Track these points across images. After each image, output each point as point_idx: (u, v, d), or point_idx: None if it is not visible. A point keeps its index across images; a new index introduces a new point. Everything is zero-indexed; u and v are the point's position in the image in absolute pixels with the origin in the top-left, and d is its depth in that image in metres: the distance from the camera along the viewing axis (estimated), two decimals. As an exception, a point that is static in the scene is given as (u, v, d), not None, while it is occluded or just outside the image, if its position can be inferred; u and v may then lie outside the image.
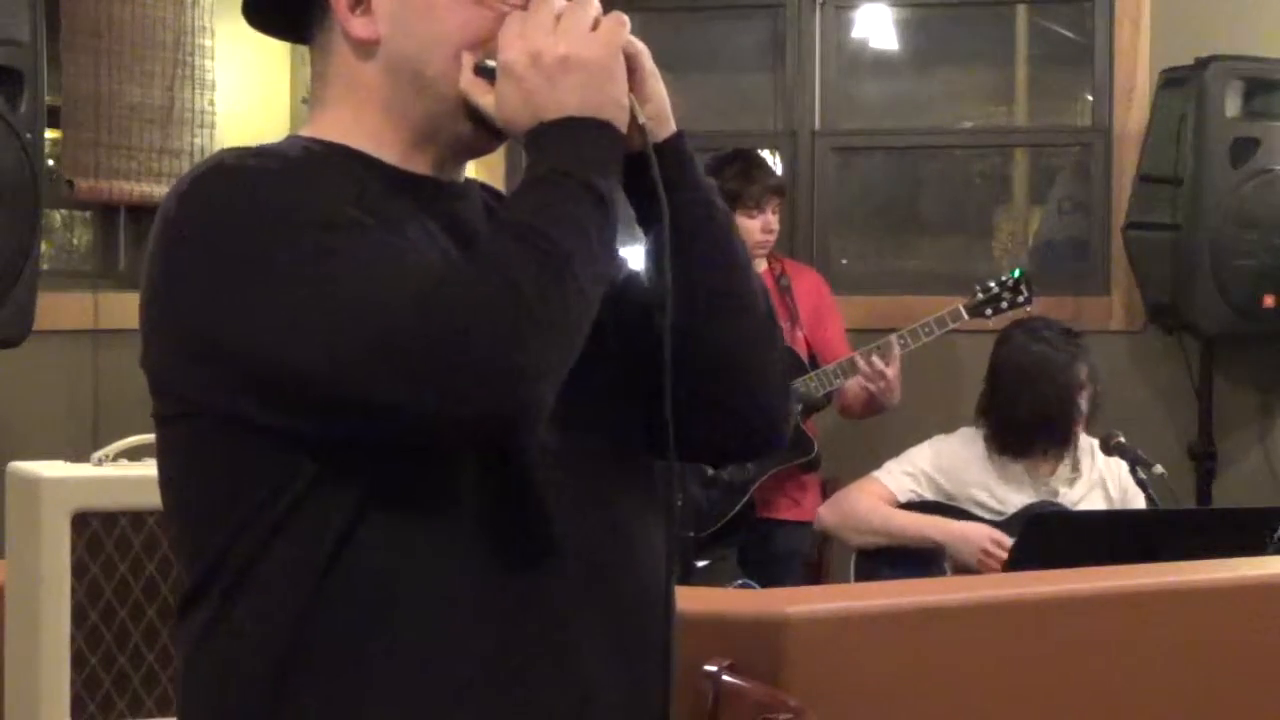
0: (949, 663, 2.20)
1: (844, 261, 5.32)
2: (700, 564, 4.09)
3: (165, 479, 1.45)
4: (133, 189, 4.31)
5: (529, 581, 1.39)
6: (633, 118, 1.42)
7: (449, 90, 1.44)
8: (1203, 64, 4.50)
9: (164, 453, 1.45)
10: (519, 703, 1.38)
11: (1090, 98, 5.13)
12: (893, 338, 4.21)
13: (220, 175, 1.37)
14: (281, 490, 1.36)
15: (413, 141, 1.47)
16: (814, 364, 4.32)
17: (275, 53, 4.67)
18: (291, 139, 1.49)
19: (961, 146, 5.49)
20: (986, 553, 3.62)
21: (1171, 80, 4.65)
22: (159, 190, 4.27)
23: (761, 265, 4.38)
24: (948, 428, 3.91)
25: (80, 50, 4.22)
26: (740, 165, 4.35)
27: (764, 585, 3.92)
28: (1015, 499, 3.74)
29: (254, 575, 1.37)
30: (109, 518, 2.16)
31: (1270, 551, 3.11)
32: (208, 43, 4.48)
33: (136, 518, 2.17)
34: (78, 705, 2.15)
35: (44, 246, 3.95)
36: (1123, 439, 3.64)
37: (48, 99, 3.65)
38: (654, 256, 1.46)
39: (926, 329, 4.23)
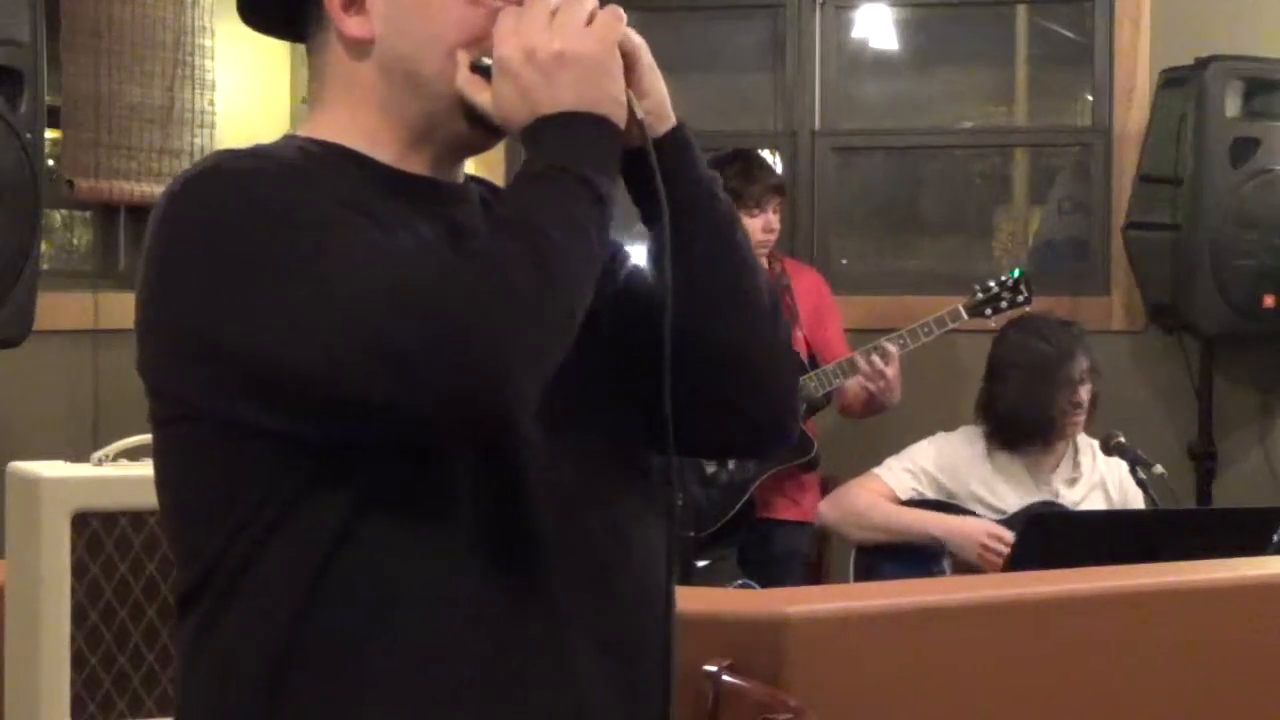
0: (949, 663, 2.20)
1: (844, 261, 5.32)
2: (700, 564, 4.09)
3: (162, 480, 1.45)
4: (133, 189, 4.32)
5: (527, 582, 1.39)
6: (631, 113, 1.41)
7: (445, 89, 1.43)
8: (1203, 64, 4.50)
9: (161, 454, 1.44)
10: (518, 703, 1.37)
11: (1090, 98, 5.13)
12: (887, 339, 4.21)
13: (215, 175, 1.37)
14: (277, 491, 1.35)
15: (409, 141, 1.46)
16: (814, 364, 4.32)
17: (275, 53, 4.67)
18: (287, 139, 1.49)
19: (961, 146, 5.49)
20: (986, 547, 3.62)
21: (1171, 80, 4.65)
22: (159, 190, 4.25)
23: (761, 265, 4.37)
24: (948, 427, 3.91)
25: (80, 50, 4.22)
26: (741, 165, 4.35)
27: (764, 585, 3.92)
28: (1015, 497, 3.74)
29: (251, 576, 1.37)
30: (109, 518, 2.16)
31: (1270, 552, 3.11)
32: (208, 43, 4.48)
33: (136, 518, 2.17)
34: (78, 705, 2.15)
35: (44, 246, 3.95)
36: (1123, 439, 3.65)
37: (48, 99, 3.65)
38: (655, 253, 1.45)
39: (926, 329, 4.24)
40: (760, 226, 4.29)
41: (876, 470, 3.83)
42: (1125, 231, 4.75)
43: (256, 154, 1.41)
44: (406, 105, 1.45)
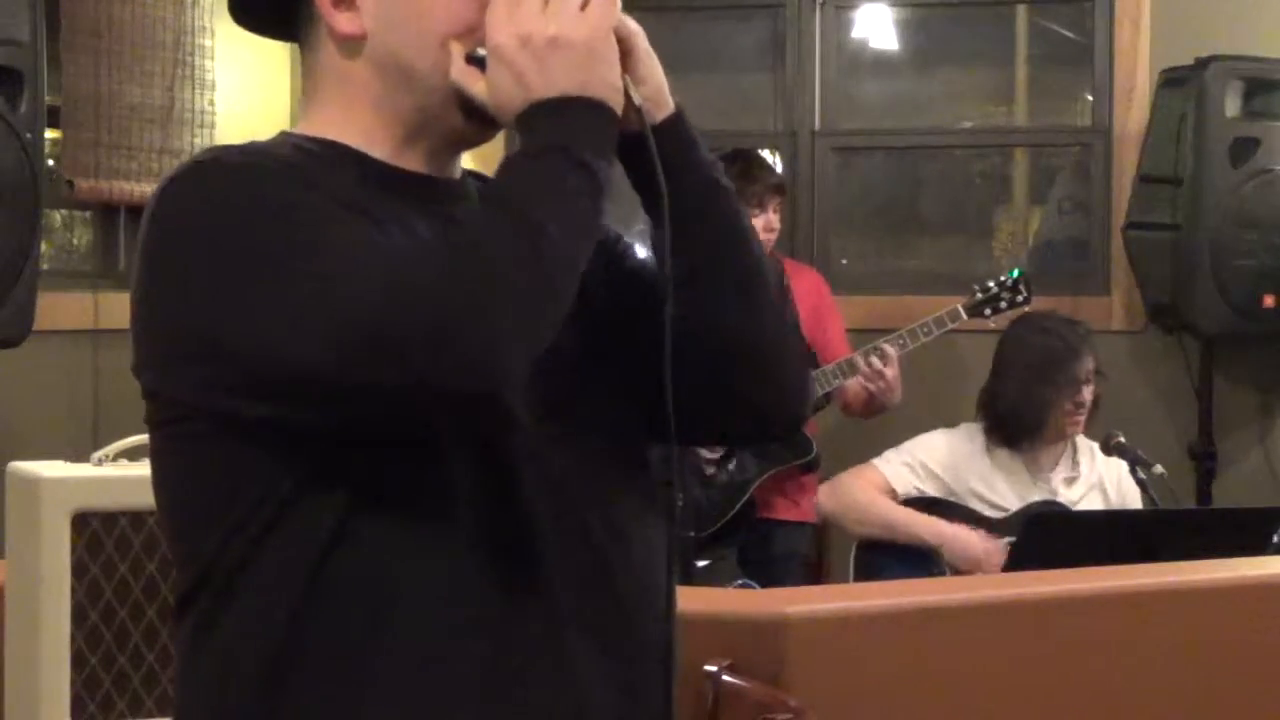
0: (949, 663, 2.20)
1: (844, 261, 5.32)
2: (700, 564, 4.09)
3: (159, 482, 1.44)
4: (133, 189, 4.31)
5: (527, 582, 1.38)
6: (629, 99, 1.40)
7: (439, 82, 1.42)
8: (1203, 64, 4.50)
9: (157, 455, 1.44)
10: (517, 703, 1.37)
11: (1090, 98, 5.13)
12: (886, 340, 4.21)
13: (207, 171, 1.36)
14: (275, 490, 1.35)
15: (404, 136, 1.45)
16: (812, 364, 4.32)
17: (275, 53, 4.67)
18: (281, 137, 1.47)
19: (961, 146, 5.49)
20: (980, 564, 3.62)
21: (1171, 80, 4.65)
22: (159, 190, 4.25)
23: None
24: (948, 426, 3.91)
25: (80, 50, 4.22)
26: (741, 164, 4.36)
27: (764, 585, 3.92)
28: (1014, 494, 3.75)
29: (249, 575, 1.36)
30: (109, 518, 2.16)
31: (1270, 552, 3.11)
32: (208, 43, 4.48)
33: (136, 518, 2.17)
34: (78, 705, 2.15)
35: (44, 246, 3.95)
36: (1123, 439, 3.65)
37: (48, 99, 3.65)
38: (655, 241, 1.44)
39: (925, 329, 4.24)
40: (761, 226, 4.28)
41: (875, 461, 3.83)
42: (1125, 231, 4.75)
43: (249, 150, 1.40)
44: (400, 100, 1.44)
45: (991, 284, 4.28)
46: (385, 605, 1.35)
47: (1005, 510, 3.73)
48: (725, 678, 1.98)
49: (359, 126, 1.45)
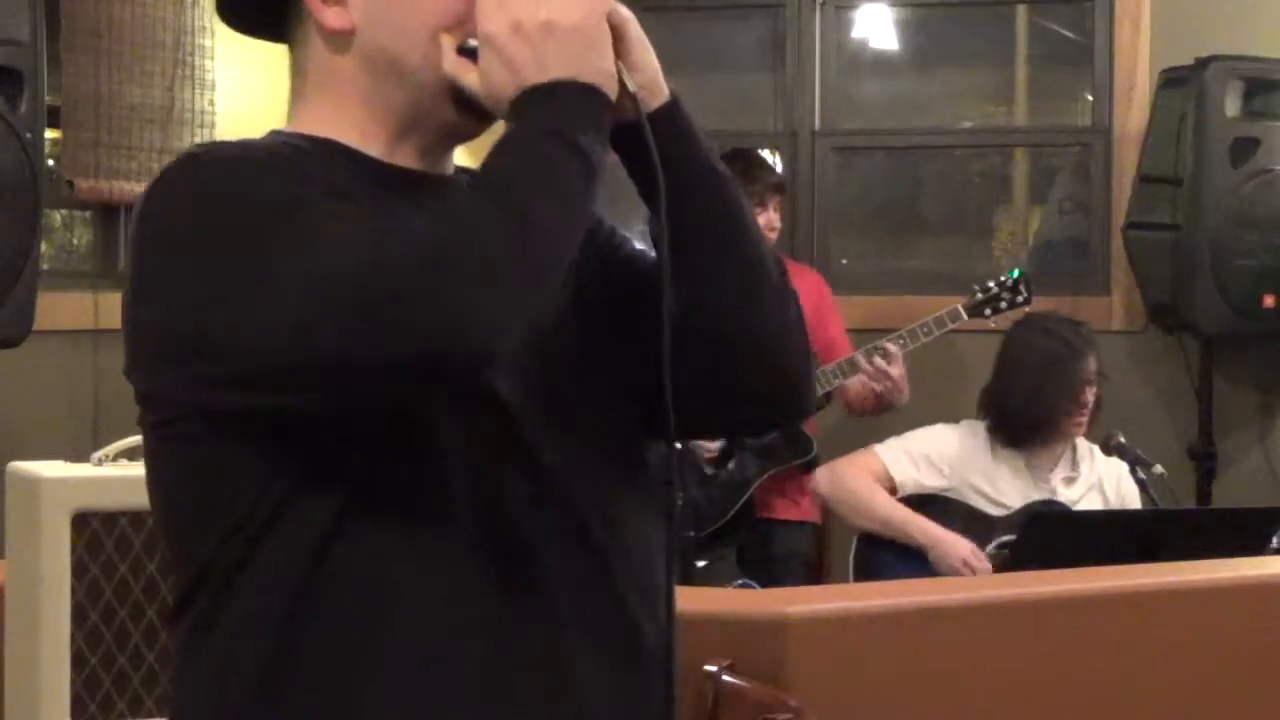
0: (949, 663, 2.20)
1: (844, 261, 5.32)
2: (700, 564, 4.09)
3: (154, 483, 1.43)
4: (133, 189, 4.31)
5: (525, 583, 1.37)
6: (623, 86, 1.38)
7: (431, 76, 1.41)
8: (1203, 64, 4.50)
9: (151, 457, 1.42)
10: (516, 704, 1.36)
11: (1090, 98, 5.13)
12: (888, 339, 4.21)
13: (191, 169, 1.35)
14: (270, 490, 1.34)
15: (396, 132, 1.44)
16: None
17: (275, 53, 4.63)
18: (272, 135, 1.46)
19: (961, 146, 5.49)
20: (966, 564, 3.63)
21: (1171, 80, 4.65)
22: (159, 190, 4.25)
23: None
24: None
25: (80, 50, 4.22)
26: (741, 163, 4.36)
27: (764, 585, 3.93)
28: (1015, 491, 3.75)
29: (245, 576, 1.35)
30: (109, 518, 2.16)
31: (1270, 552, 3.11)
32: (208, 43, 4.48)
33: (136, 518, 2.17)
34: (78, 705, 2.15)
35: (44, 246, 3.95)
36: (1123, 439, 3.66)
37: (48, 99, 3.65)
38: (653, 231, 1.42)
39: (925, 329, 4.24)
40: (761, 225, 4.26)
41: (877, 448, 3.83)
42: (1125, 231, 4.75)
43: (237, 146, 1.39)
44: (391, 96, 1.43)
45: (992, 284, 4.29)
46: (383, 605, 1.34)
47: (1007, 507, 3.73)
48: (725, 678, 1.98)
49: (350, 123, 1.43)
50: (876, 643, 2.18)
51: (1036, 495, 3.75)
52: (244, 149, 1.38)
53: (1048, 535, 3.31)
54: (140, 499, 2.08)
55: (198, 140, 4.44)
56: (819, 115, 5.23)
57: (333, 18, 1.42)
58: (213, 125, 4.52)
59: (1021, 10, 5.36)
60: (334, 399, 1.28)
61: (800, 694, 1.98)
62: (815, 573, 4.39)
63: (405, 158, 1.44)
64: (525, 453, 1.38)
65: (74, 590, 2.14)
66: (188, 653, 1.42)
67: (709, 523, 4.18)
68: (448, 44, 1.40)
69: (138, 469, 2.16)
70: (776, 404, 1.53)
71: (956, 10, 5.40)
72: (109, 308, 4.16)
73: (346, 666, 1.34)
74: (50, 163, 4.00)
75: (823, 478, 3.92)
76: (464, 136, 1.47)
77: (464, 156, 1.53)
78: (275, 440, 1.32)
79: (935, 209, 5.53)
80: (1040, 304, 4.29)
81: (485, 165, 1.32)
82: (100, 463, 2.19)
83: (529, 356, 1.30)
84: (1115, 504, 3.76)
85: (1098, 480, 3.80)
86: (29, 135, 3.47)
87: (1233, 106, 4.53)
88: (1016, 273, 4.31)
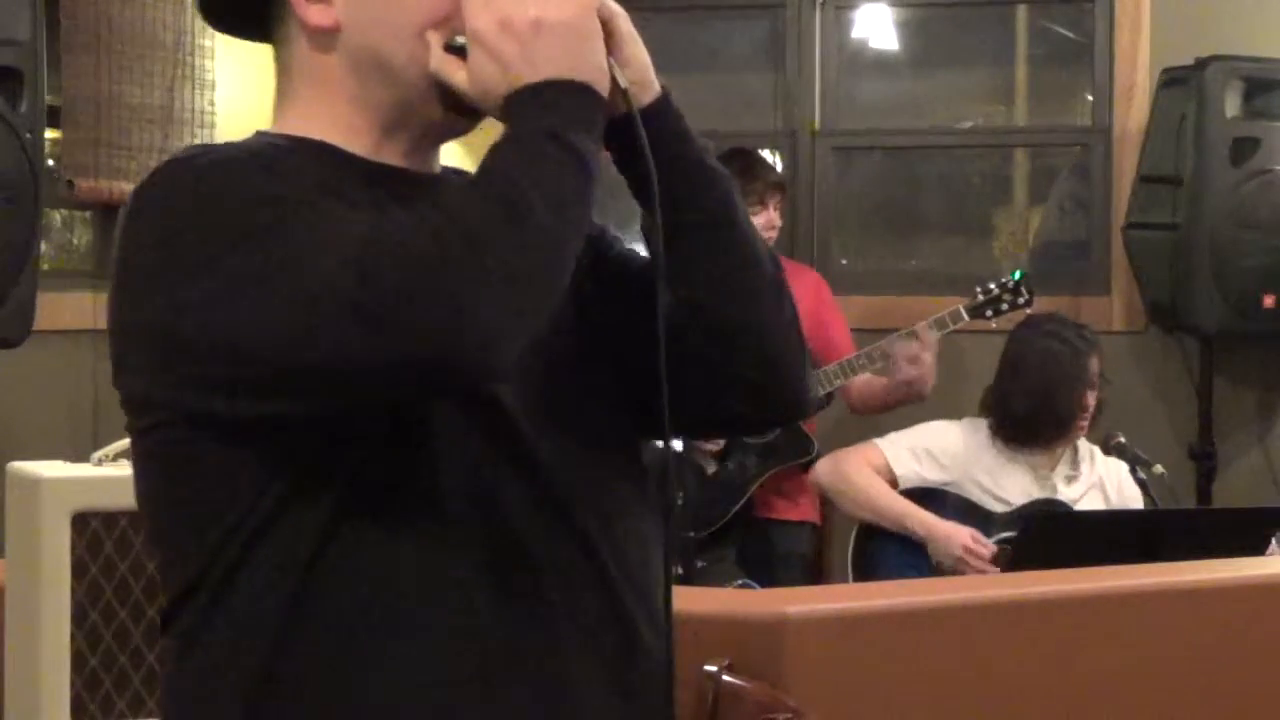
0: (949, 663, 2.20)
1: (844, 261, 5.32)
2: (700, 564, 4.09)
3: (142, 490, 1.41)
4: (133, 189, 4.31)
5: (520, 584, 1.36)
6: (614, 82, 1.35)
7: (417, 74, 1.38)
8: (1203, 64, 4.50)
9: (140, 463, 1.40)
10: (514, 706, 1.35)
11: (1090, 98, 5.13)
12: (890, 338, 4.21)
13: (175, 174, 1.33)
14: (262, 495, 1.32)
15: (383, 131, 1.41)
16: (812, 363, 4.31)
17: (275, 53, 4.66)
18: (256, 136, 1.44)
19: (961, 146, 5.49)
20: (968, 549, 3.63)
21: (1171, 80, 4.65)
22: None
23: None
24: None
25: (80, 50, 4.22)
26: (742, 162, 4.36)
27: (764, 585, 3.93)
28: (1015, 489, 3.76)
29: (237, 583, 1.33)
30: (109, 518, 2.16)
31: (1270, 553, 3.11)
32: (208, 43, 4.48)
33: (136, 518, 2.16)
34: (78, 705, 2.15)
35: (44, 246, 3.95)
36: (1123, 439, 3.66)
37: (48, 99, 3.65)
38: (646, 228, 1.40)
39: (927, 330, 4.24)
40: (762, 223, 4.30)
41: (879, 441, 3.84)
42: (1125, 231, 4.75)
43: (221, 149, 1.37)
44: (378, 94, 1.40)
45: (993, 286, 4.28)
46: (379, 607, 1.32)
47: (1008, 503, 3.74)
48: (725, 678, 1.97)
49: (335, 122, 1.41)
50: (876, 643, 2.18)
51: (1038, 493, 3.76)
52: (230, 151, 1.36)
53: (1048, 535, 3.31)
54: (140, 499, 2.09)
55: (198, 140, 4.45)
56: (819, 115, 5.23)
57: (316, 15, 1.40)
58: (213, 125, 4.52)
59: (1021, 10, 5.36)
60: (331, 404, 1.27)
61: (800, 694, 1.98)
62: (815, 572, 4.39)
63: (392, 156, 1.42)
64: (523, 453, 1.37)
65: (74, 590, 2.14)
66: (180, 659, 1.40)
67: (709, 523, 4.18)
68: (435, 41, 1.37)
69: (138, 469, 2.17)
70: (772, 402, 1.51)
71: (956, 10, 5.40)
72: (109, 308, 4.16)
73: (343, 668, 1.33)
74: (50, 163, 4.01)
75: (823, 468, 3.93)
76: (452, 134, 1.45)
77: (463, 156, 1.52)
78: (270, 443, 1.31)
79: (935, 209, 5.52)
80: (1041, 304, 4.29)
81: (483, 168, 1.30)
82: (100, 463, 2.19)
83: (529, 357, 1.29)
84: (1117, 504, 3.76)
85: (1099, 480, 3.80)
86: (29, 135, 3.48)
87: (1233, 106, 4.53)
88: (1018, 275, 4.31)
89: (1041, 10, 5.34)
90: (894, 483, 3.80)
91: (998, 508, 3.75)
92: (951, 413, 4.02)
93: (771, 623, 2.10)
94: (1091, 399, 3.77)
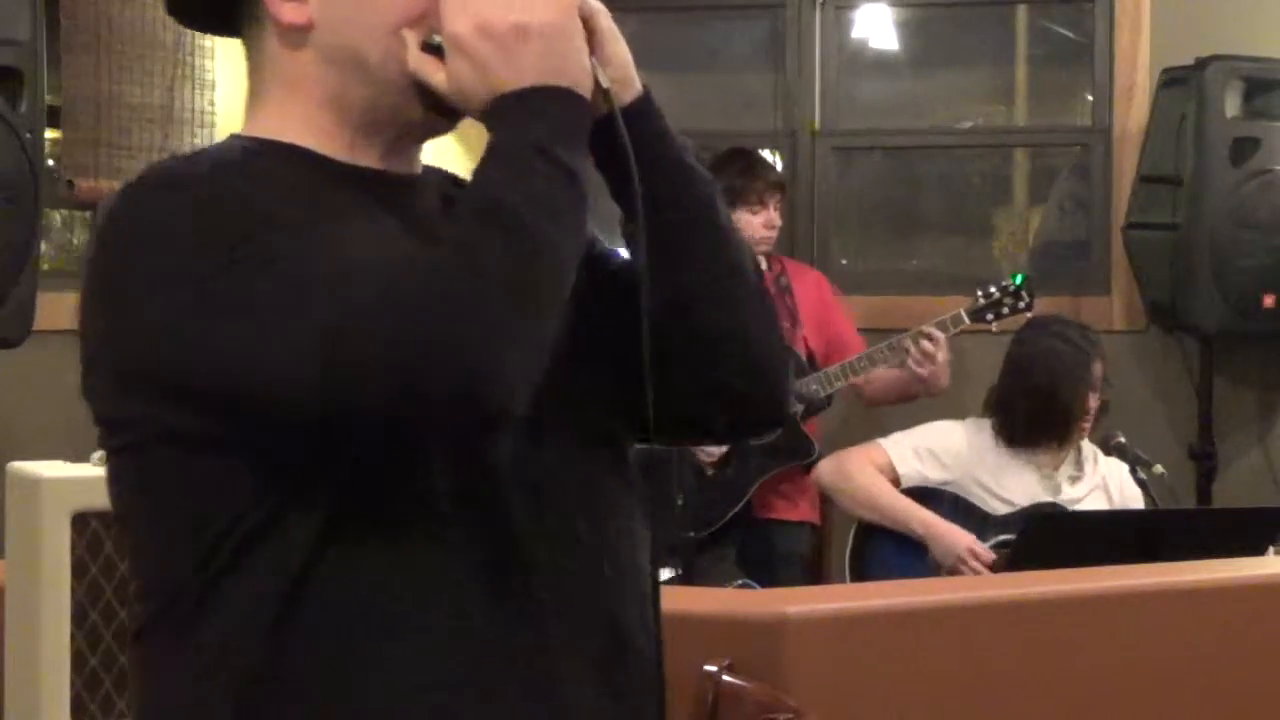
0: (949, 663, 2.20)
1: (844, 261, 5.32)
2: (700, 564, 4.09)
3: (120, 509, 1.37)
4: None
5: (512, 591, 1.33)
6: (596, 82, 1.31)
7: (394, 73, 1.34)
8: (1203, 64, 4.50)
9: (117, 480, 1.36)
10: (501, 707, 1.32)
11: (1090, 98, 5.13)
12: (893, 340, 4.21)
13: (150, 187, 1.29)
14: (254, 505, 1.28)
15: (360, 132, 1.37)
16: (814, 364, 4.32)
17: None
18: (229, 140, 1.39)
19: (961, 146, 5.48)
20: (963, 560, 3.64)
21: (1171, 80, 4.65)
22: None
23: (760, 265, 4.38)
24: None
25: (80, 50, 4.22)
26: (742, 162, 4.36)
27: (764, 585, 3.93)
28: (1018, 489, 3.76)
29: (219, 600, 1.29)
30: (109, 518, 2.16)
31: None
32: (208, 43, 4.48)
33: (136, 518, 2.16)
34: (78, 705, 2.15)
35: (44, 246, 3.96)
36: (1123, 439, 3.67)
37: (48, 99, 3.65)
38: (628, 230, 1.37)
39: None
40: (762, 223, 4.30)
41: (883, 441, 3.85)
42: (1125, 231, 4.75)
43: (193, 159, 1.33)
44: (354, 94, 1.36)
45: (994, 289, 4.28)
46: (371, 613, 1.29)
47: (1011, 504, 3.75)
48: (725, 678, 1.98)
49: (310, 124, 1.37)
50: (876, 643, 2.18)
51: (1042, 494, 3.76)
52: (206, 163, 1.32)
53: (1048, 535, 3.31)
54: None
55: (198, 140, 4.45)
56: (819, 115, 5.23)
57: (289, 12, 1.36)
58: (213, 125, 4.52)
59: (1021, 10, 5.35)
60: (335, 441, 1.24)
61: (800, 694, 1.98)
62: (815, 573, 4.39)
63: (368, 158, 1.38)
64: (515, 452, 1.33)
65: (74, 590, 2.14)
66: (165, 665, 1.35)
67: (709, 523, 4.18)
68: (411, 40, 1.33)
69: (138, 469, 2.16)
70: (753, 409, 1.48)
71: (956, 10, 5.40)
72: (109, 308, 4.15)
73: (339, 670, 1.30)
74: (50, 163, 4.01)
75: (826, 467, 3.94)
76: (432, 134, 1.41)
77: (461, 154, 1.50)
78: (264, 455, 1.27)
79: (935, 209, 5.52)
80: (1041, 304, 4.29)
81: (477, 190, 1.26)
82: (100, 463, 2.19)
83: None
84: (1119, 503, 3.77)
85: (1102, 481, 3.81)
86: (29, 135, 3.48)
87: (1233, 106, 4.53)
88: (1019, 278, 4.30)
89: (1041, 10, 5.34)
90: (897, 482, 3.80)
91: (1000, 508, 3.75)
92: (954, 413, 4.03)
93: (771, 623, 2.10)
94: (1094, 401, 3.78)
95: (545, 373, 1.25)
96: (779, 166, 5.07)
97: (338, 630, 1.29)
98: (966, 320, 4.24)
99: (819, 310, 4.43)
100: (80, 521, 2.15)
